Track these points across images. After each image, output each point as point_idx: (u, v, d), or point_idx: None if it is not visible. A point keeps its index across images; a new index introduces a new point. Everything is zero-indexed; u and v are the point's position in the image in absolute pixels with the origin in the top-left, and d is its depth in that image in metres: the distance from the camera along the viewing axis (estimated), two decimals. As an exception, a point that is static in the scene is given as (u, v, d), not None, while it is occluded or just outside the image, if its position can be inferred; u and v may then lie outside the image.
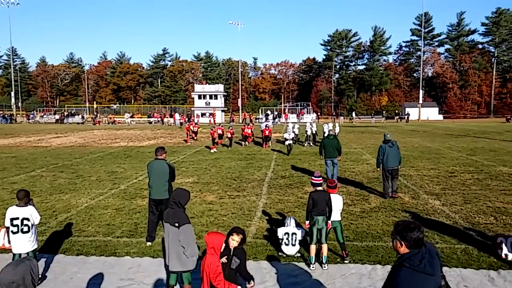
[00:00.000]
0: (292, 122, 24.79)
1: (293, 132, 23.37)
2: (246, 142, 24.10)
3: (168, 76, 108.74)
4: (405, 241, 3.17)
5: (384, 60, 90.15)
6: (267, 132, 23.54)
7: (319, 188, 6.73)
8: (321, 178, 6.82)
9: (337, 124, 25.59)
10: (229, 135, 22.09)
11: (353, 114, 63.62)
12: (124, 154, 20.67)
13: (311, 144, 23.42)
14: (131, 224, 8.80)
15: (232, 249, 4.54)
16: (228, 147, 22.31)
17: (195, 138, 28.96)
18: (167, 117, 60.00)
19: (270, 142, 23.73)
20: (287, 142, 17.68)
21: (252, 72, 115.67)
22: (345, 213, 9.21)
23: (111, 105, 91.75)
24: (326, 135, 14.97)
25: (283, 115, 58.89)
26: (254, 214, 9.38)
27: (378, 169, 11.11)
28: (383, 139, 10.96)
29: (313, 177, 6.86)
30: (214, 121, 53.12)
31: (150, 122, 59.11)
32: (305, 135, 23.96)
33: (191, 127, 30.19)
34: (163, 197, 7.61)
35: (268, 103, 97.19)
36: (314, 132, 24.33)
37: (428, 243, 3.30)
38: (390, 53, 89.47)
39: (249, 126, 25.46)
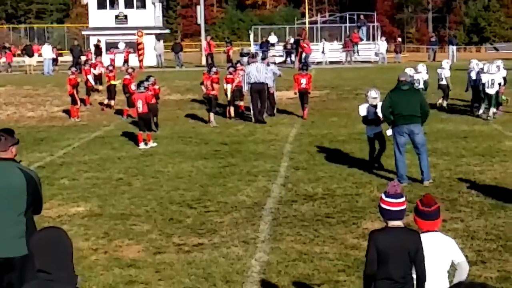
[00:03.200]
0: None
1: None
2: (232, 112, 25.96)
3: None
4: None
5: None
6: (303, 83, 25.73)
7: (396, 222, 6.77)
8: (403, 201, 6.80)
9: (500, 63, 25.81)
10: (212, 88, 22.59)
11: None
12: None
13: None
14: None
15: None
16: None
17: (109, 104, 29.19)
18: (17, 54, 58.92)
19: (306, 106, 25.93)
20: (371, 132, 17.28)
21: None
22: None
23: None
24: (400, 77, 16.06)
25: (303, 45, 57.31)
26: (240, 291, 9.60)
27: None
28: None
29: (384, 196, 6.83)
30: (141, 62, 52.46)
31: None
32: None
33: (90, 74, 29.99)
34: (15, 254, 7.67)
35: (273, 16, 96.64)
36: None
37: None
38: None
39: (231, 74, 26.29)
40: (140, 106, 20.64)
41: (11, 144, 7.69)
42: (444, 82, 26.99)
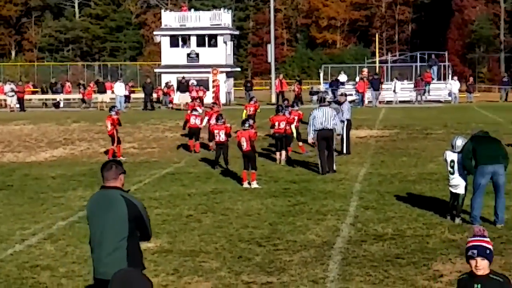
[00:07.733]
0: None
1: None
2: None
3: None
4: None
5: None
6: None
7: (485, 262, 6.20)
8: (488, 240, 6.29)
9: None
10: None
11: None
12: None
13: None
14: None
15: None
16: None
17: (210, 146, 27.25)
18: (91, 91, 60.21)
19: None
20: (455, 189, 16.01)
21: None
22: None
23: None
24: (474, 132, 15.74)
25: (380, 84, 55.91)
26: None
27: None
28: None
29: (472, 239, 6.28)
30: (217, 97, 53.13)
31: (57, 105, 60.02)
32: None
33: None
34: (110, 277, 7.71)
35: (343, 55, 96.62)
36: None
37: None
38: None
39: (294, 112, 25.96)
40: (244, 144, 20.37)
41: (119, 173, 8.08)
42: None
